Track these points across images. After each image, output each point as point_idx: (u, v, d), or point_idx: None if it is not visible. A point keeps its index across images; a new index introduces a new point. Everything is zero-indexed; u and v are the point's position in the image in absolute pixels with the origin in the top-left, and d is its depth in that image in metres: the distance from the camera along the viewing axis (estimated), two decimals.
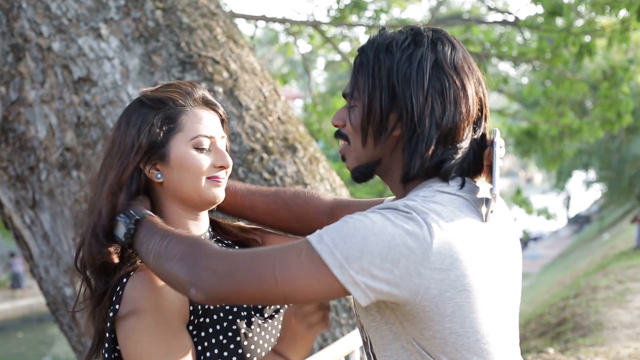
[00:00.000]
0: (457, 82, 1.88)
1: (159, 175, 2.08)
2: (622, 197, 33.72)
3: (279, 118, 4.83)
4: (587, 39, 9.97)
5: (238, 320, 2.10)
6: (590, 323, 10.08)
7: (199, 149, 2.08)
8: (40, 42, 4.50)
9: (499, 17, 13.68)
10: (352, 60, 10.79)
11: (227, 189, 2.25)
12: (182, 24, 4.65)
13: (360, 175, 1.99)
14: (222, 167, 2.11)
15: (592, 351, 8.33)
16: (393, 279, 1.71)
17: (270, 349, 2.13)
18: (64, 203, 4.54)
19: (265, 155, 4.61)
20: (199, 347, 2.03)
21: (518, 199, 15.59)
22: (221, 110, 2.18)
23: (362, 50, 1.96)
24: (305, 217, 2.33)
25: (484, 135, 1.97)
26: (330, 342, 4.41)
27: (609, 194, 36.48)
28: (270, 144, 4.66)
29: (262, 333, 2.14)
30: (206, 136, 2.09)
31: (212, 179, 2.09)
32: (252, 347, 2.10)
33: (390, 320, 1.83)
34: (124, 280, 1.99)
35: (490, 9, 14.68)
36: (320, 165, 4.95)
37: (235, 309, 2.11)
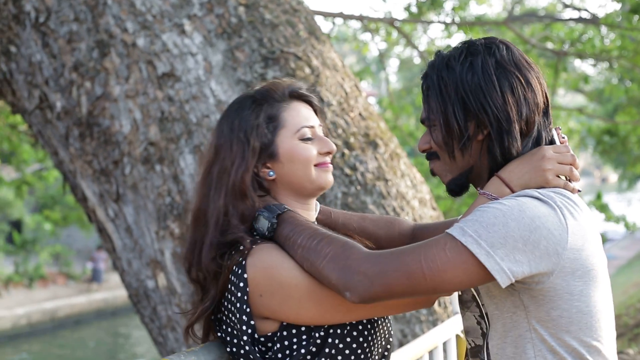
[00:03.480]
0: (522, 77, 2.02)
1: (272, 173, 2.16)
2: None
3: (360, 114, 4.82)
4: None
5: None
6: None
7: (304, 139, 2.16)
8: (125, 38, 4.56)
9: (575, 14, 13.45)
10: (428, 57, 10.73)
11: (321, 208, 2.36)
12: (265, 20, 4.67)
13: (455, 187, 2.13)
14: (328, 153, 2.19)
15: None
16: (534, 259, 1.84)
17: (384, 344, 2.21)
18: (147, 197, 4.60)
19: (346, 151, 4.60)
20: (322, 333, 2.06)
21: (597, 203, 15.29)
22: (315, 100, 2.26)
23: (426, 75, 2.11)
24: (390, 237, 2.44)
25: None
26: (411, 338, 4.39)
27: None
28: (352, 139, 4.66)
29: (383, 329, 2.20)
30: (308, 126, 2.17)
31: (321, 166, 2.18)
32: (375, 341, 2.15)
33: (513, 306, 1.95)
34: (241, 263, 2.03)
35: (566, 5, 14.43)
36: (401, 162, 4.93)
37: None
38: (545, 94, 2.07)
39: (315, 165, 2.16)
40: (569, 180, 2.03)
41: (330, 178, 2.20)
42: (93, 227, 5.23)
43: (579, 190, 2.05)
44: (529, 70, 2.04)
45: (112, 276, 27.03)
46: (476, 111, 2.00)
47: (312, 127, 2.18)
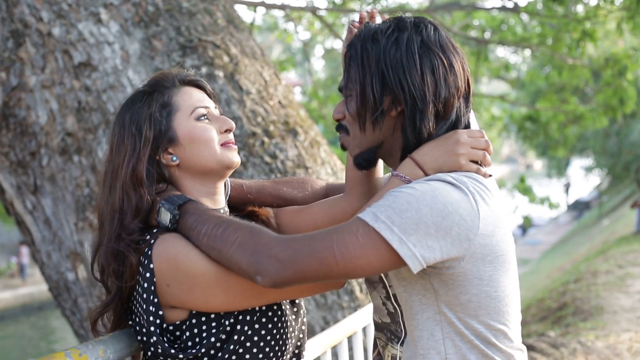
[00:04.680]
0: (445, 60, 2.01)
1: (175, 158, 2.15)
2: (620, 183, 33.68)
3: (279, 102, 4.83)
4: (588, 25, 9.93)
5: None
6: (591, 307, 10.10)
7: (200, 119, 2.16)
8: (40, 28, 4.49)
9: (497, 3, 13.64)
10: None
11: (232, 183, 2.35)
12: (182, 9, 4.64)
13: (362, 161, 2.11)
14: (228, 130, 2.19)
15: (592, 335, 8.36)
16: (445, 245, 1.85)
17: (298, 333, 2.23)
18: (65, 188, 4.55)
19: (266, 139, 4.61)
20: (231, 320, 2.07)
21: (521, 186, 15.55)
22: (206, 85, 2.26)
23: (351, 44, 2.08)
24: (305, 197, 2.44)
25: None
26: (332, 324, 4.42)
27: (608, 180, 36.45)
28: (272, 127, 4.66)
29: (292, 317, 2.21)
30: (202, 106, 2.18)
31: (225, 145, 2.17)
32: (286, 328, 2.17)
33: (423, 289, 1.96)
34: (147, 253, 2.03)
35: None
36: (322, 149, 4.95)
37: None
38: (468, 79, 2.07)
39: (221, 145, 2.16)
40: (482, 165, 2.04)
41: (236, 157, 2.19)
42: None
43: (490, 175, 2.06)
44: (454, 54, 2.03)
45: (37, 270, 26.61)
46: (393, 86, 1.98)
47: (206, 107, 2.18)
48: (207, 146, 2.14)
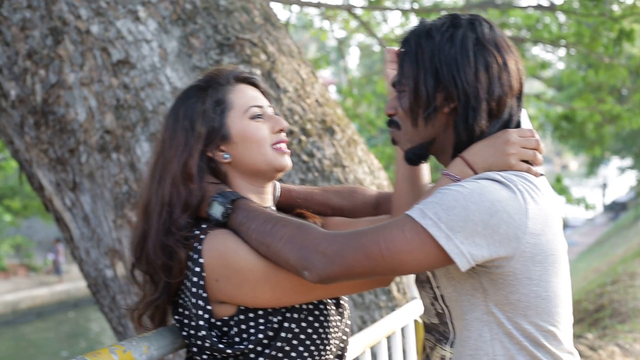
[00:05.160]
0: (499, 58, 2.00)
1: (226, 155, 2.17)
2: None
3: (316, 100, 4.83)
4: (626, 23, 9.83)
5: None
6: (628, 309, 9.99)
7: (254, 117, 2.17)
8: (78, 25, 4.52)
9: (533, 1, 13.53)
10: (387, 44, 10.75)
11: (281, 187, 2.37)
12: (220, 7, 4.65)
13: (413, 156, 2.12)
14: (281, 130, 2.20)
15: (630, 337, 8.26)
16: (493, 243, 1.84)
17: (341, 334, 2.23)
18: (104, 185, 4.57)
19: (303, 138, 4.61)
20: (279, 317, 2.08)
21: (557, 187, 15.44)
22: (260, 83, 2.28)
23: (405, 40, 2.09)
24: (355, 207, 2.44)
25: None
26: (370, 324, 4.41)
27: None
28: (309, 126, 4.66)
29: (338, 317, 2.22)
30: (256, 106, 2.19)
31: (277, 148, 2.19)
32: (331, 328, 2.18)
33: (472, 289, 1.96)
34: (197, 249, 2.05)
35: None
36: (359, 148, 4.95)
37: None
38: (521, 78, 2.07)
39: (272, 146, 2.17)
40: (533, 164, 2.03)
41: (287, 161, 2.20)
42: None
43: (541, 174, 2.05)
44: (508, 53, 2.03)
45: (74, 267, 26.84)
46: (447, 83, 1.99)
47: (260, 106, 2.19)
48: (259, 146, 2.16)
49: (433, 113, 2.02)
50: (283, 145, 2.20)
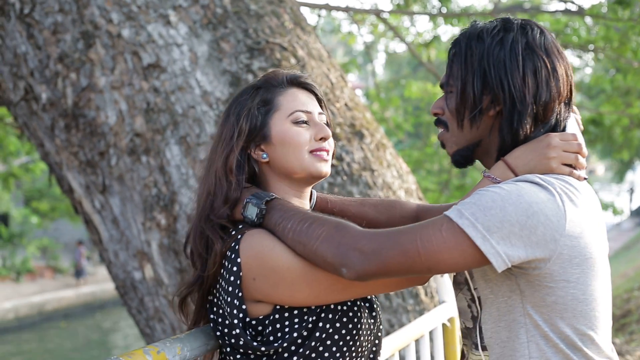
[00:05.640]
0: (548, 63, 2.01)
1: (265, 155, 2.19)
2: None
3: (346, 104, 4.83)
4: None
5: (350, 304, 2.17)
6: None
7: (298, 123, 2.17)
8: (110, 29, 4.55)
9: (561, 6, 13.48)
10: (414, 49, 10.74)
11: (317, 196, 2.38)
12: (250, 11, 4.67)
13: (460, 158, 2.14)
14: (323, 139, 2.19)
15: None
16: (530, 245, 1.84)
17: (374, 337, 2.24)
18: (133, 188, 4.60)
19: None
20: (314, 317, 2.10)
21: None
22: (317, 89, 2.28)
23: (456, 41, 2.10)
24: (392, 221, 2.43)
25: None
26: (397, 328, 4.41)
27: None
28: (338, 130, 4.66)
29: (371, 320, 2.23)
30: (303, 111, 2.19)
31: (315, 155, 2.18)
32: (364, 330, 2.19)
33: (509, 290, 1.97)
34: (234, 248, 2.07)
35: None
36: (387, 152, 4.94)
37: None
38: (571, 85, 2.07)
39: (310, 152, 2.17)
40: (575, 168, 2.04)
41: (324, 168, 2.20)
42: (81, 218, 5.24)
43: (585, 178, 2.06)
44: (558, 58, 2.04)
45: (100, 269, 26.99)
46: (494, 86, 2.00)
47: (308, 112, 2.19)
48: (296, 150, 2.16)
49: (479, 115, 2.04)
50: (323, 153, 2.19)
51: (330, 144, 2.22)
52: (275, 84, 2.22)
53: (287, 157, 2.17)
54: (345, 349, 2.12)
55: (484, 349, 2.10)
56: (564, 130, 2.08)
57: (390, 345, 3.00)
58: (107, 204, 4.75)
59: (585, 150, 2.06)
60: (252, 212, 2.09)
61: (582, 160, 2.04)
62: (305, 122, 2.18)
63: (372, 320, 2.23)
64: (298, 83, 2.25)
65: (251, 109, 2.18)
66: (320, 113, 2.23)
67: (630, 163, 36.54)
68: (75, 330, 23.86)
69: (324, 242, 1.94)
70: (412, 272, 1.92)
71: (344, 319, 2.12)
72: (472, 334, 2.17)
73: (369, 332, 2.20)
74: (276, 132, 2.17)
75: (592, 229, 1.94)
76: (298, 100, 2.20)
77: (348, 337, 2.12)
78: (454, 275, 2.24)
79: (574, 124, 2.16)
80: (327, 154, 2.21)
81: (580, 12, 10.64)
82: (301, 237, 1.99)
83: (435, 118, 2.17)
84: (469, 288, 2.14)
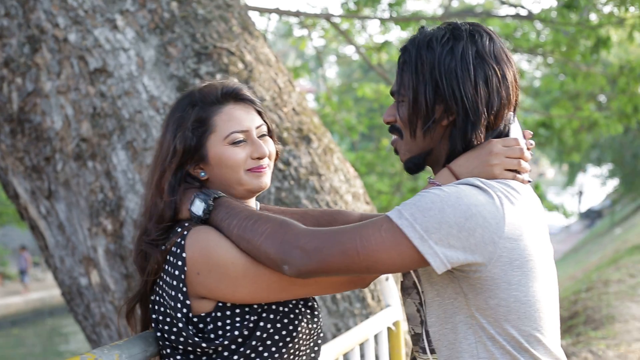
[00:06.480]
0: (499, 71, 2.03)
1: (203, 174, 2.21)
2: (635, 191, 33.57)
3: (293, 109, 4.85)
4: (603, 31, 9.91)
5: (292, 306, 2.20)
6: (602, 316, 10.05)
7: (234, 143, 2.18)
8: (56, 34, 4.52)
9: (511, 10, 13.63)
10: (365, 53, 10.79)
11: (260, 207, 2.39)
12: (198, 15, 4.67)
13: (412, 165, 2.15)
14: (259, 158, 2.20)
15: (604, 344, 8.32)
16: (469, 247, 1.87)
17: (314, 340, 2.26)
18: (79, 193, 4.57)
19: (279, 146, 4.61)
20: (255, 316, 2.12)
21: (536, 193, 15.50)
22: (255, 101, 2.27)
23: (405, 49, 2.10)
24: None
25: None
26: (344, 331, 4.43)
27: (622, 189, 36.32)
28: (285, 134, 4.68)
29: (312, 325, 2.25)
30: (239, 131, 2.19)
31: (252, 171, 2.20)
32: (305, 332, 2.21)
33: (454, 293, 1.99)
34: (180, 243, 2.10)
35: (502, 2, 14.60)
36: (335, 156, 4.96)
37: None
38: (517, 89, 2.09)
39: (247, 170, 2.19)
40: (518, 173, 2.06)
41: (263, 182, 2.22)
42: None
43: (529, 181, 2.09)
44: (507, 65, 2.05)
45: (49, 275, 26.66)
46: (446, 96, 2.01)
47: (245, 130, 2.19)
48: (233, 170, 2.18)
49: (432, 125, 2.05)
50: (260, 170, 2.20)
51: (271, 157, 2.26)
52: (211, 101, 2.20)
53: (225, 176, 2.19)
54: (284, 350, 2.14)
55: (432, 352, 2.12)
56: (507, 134, 2.10)
57: (334, 349, 3.00)
58: (53, 210, 4.71)
59: (527, 154, 2.08)
60: (199, 207, 2.12)
61: (524, 164, 2.07)
62: (243, 141, 2.19)
63: (314, 326, 2.25)
64: (235, 97, 2.23)
65: (186, 130, 2.17)
66: (258, 126, 2.23)
67: (581, 166, 37.02)
68: (24, 337, 23.55)
69: (267, 238, 1.97)
70: (351, 272, 1.95)
71: (285, 320, 2.14)
72: (420, 339, 2.18)
73: (308, 337, 2.22)
74: (213, 154, 2.18)
75: (532, 231, 1.97)
76: (234, 120, 2.19)
77: (288, 339, 2.14)
78: (402, 281, 2.26)
79: (517, 128, 2.18)
80: (266, 169, 2.22)
81: (530, 16, 10.77)
82: (246, 233, 2.01)
83: (389, 125, 2.18)
84: (418, 292, 2.16)
